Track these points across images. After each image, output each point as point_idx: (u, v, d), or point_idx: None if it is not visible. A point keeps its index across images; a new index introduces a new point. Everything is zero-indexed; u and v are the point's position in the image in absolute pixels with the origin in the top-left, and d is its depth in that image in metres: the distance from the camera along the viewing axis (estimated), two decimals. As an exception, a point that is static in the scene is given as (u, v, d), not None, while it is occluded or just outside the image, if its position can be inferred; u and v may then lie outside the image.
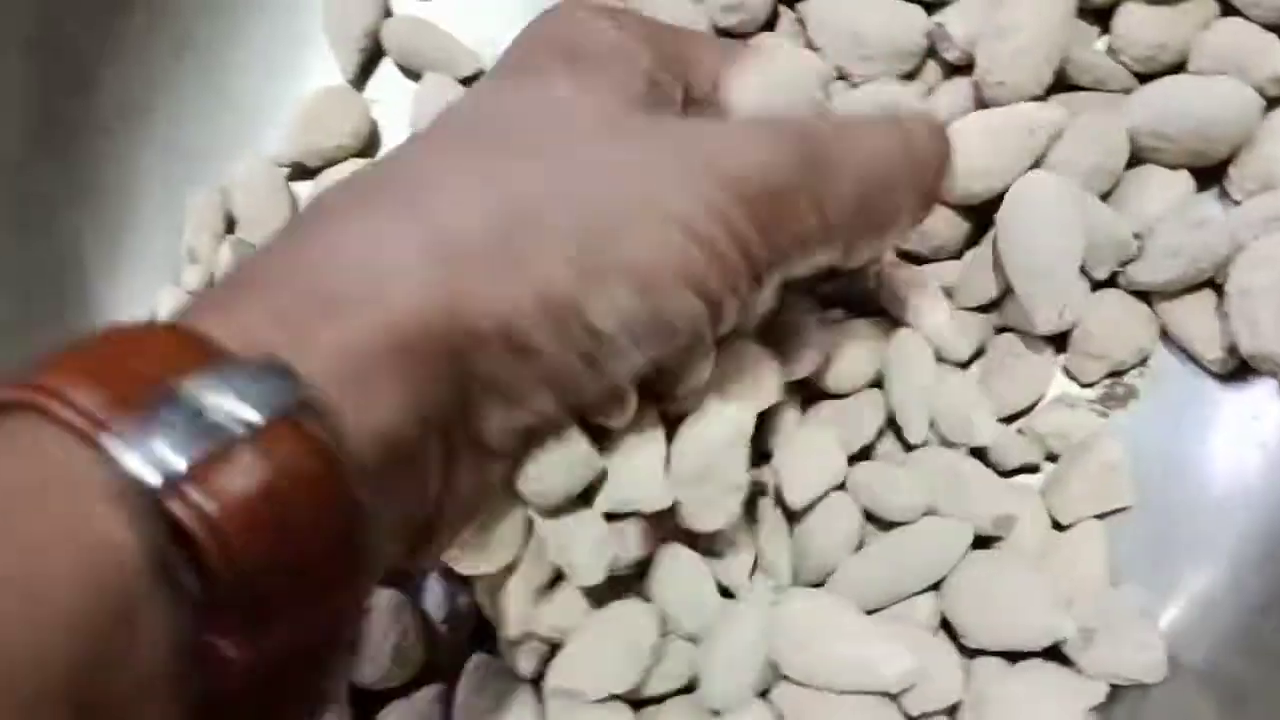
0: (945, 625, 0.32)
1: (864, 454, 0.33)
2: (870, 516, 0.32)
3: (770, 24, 0.38)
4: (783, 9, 0.39)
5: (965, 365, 0.35)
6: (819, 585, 0.32)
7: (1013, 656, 0.31)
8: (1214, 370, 0.34)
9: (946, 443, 0.33)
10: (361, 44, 0.39)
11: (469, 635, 0.33)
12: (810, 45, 0.37)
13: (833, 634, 0.29)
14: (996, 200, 0.33)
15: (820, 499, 0.31)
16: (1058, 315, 0.32)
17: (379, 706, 0.32)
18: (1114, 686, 0.31)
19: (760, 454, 0.32)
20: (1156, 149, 0.34)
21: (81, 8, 0.39)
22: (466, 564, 0.28)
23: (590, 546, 0.27)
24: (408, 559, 0.24)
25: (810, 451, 0.31)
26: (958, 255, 0.36)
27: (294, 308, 0.21)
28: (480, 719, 0.31)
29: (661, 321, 0.24)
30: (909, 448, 0.33)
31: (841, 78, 0.37)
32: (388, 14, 0.40)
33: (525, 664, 0.30)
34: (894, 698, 0.30)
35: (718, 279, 0.24)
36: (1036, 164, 0.34)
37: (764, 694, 0.30)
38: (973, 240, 0.36)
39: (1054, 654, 0.31)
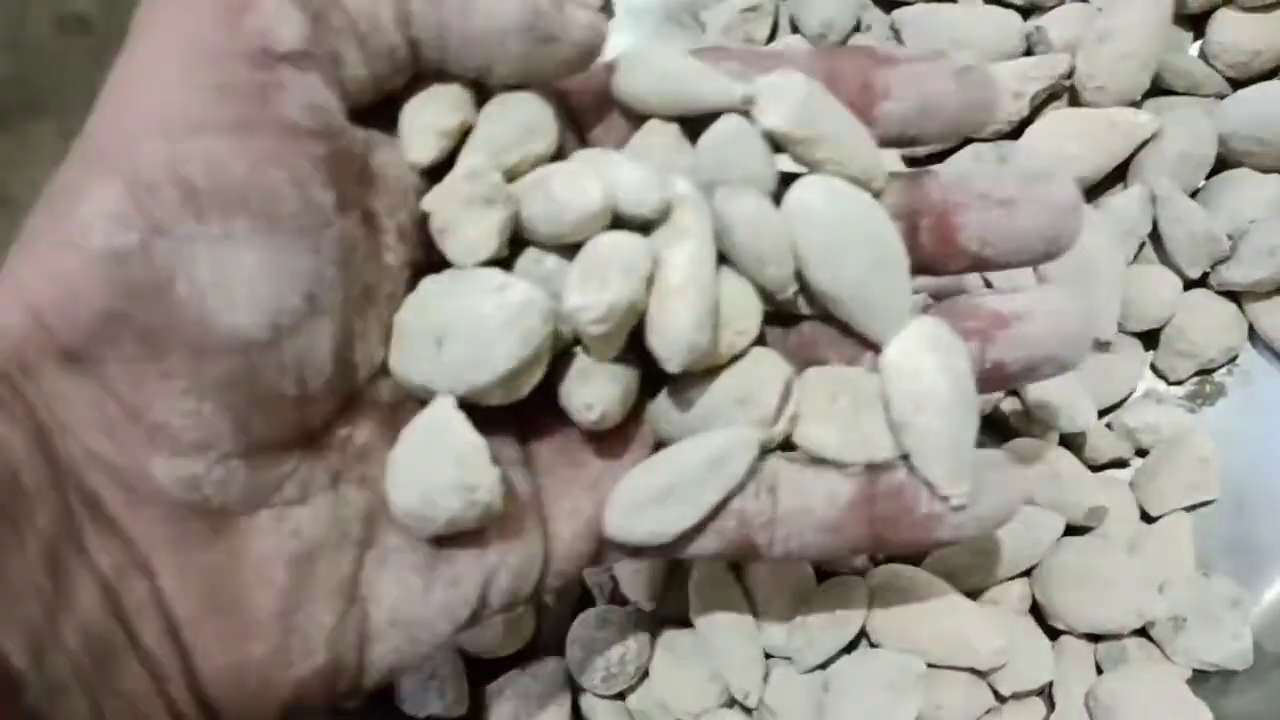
0: (1034, 610, 0.33)
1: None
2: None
3: (858, 27, 0.39)
4: (876, 16, 0.40)
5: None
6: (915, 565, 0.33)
7: (1097, 638, 0.33)
8: (1302, 370, 0.35)
9: (1044, 429, 0.34)
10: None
11: (574, 606, 0.35)
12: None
13: (928, 608, 0.31)
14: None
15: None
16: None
17: (492, 676, 0.34)
18: (1198, 671, 0.32)
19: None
20: (1249, 153, 0.35)
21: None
22: None
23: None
24: None
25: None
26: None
27: None
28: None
29: None
30: (1005, 439, 0.34)
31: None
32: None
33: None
34: (984, 675, 0.31)
35: None
36: (1122, 166, 0.36)
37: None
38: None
39: (1139, 636, 0.32)
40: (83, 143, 0.18)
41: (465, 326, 0.20)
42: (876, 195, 0.24)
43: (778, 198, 0.23)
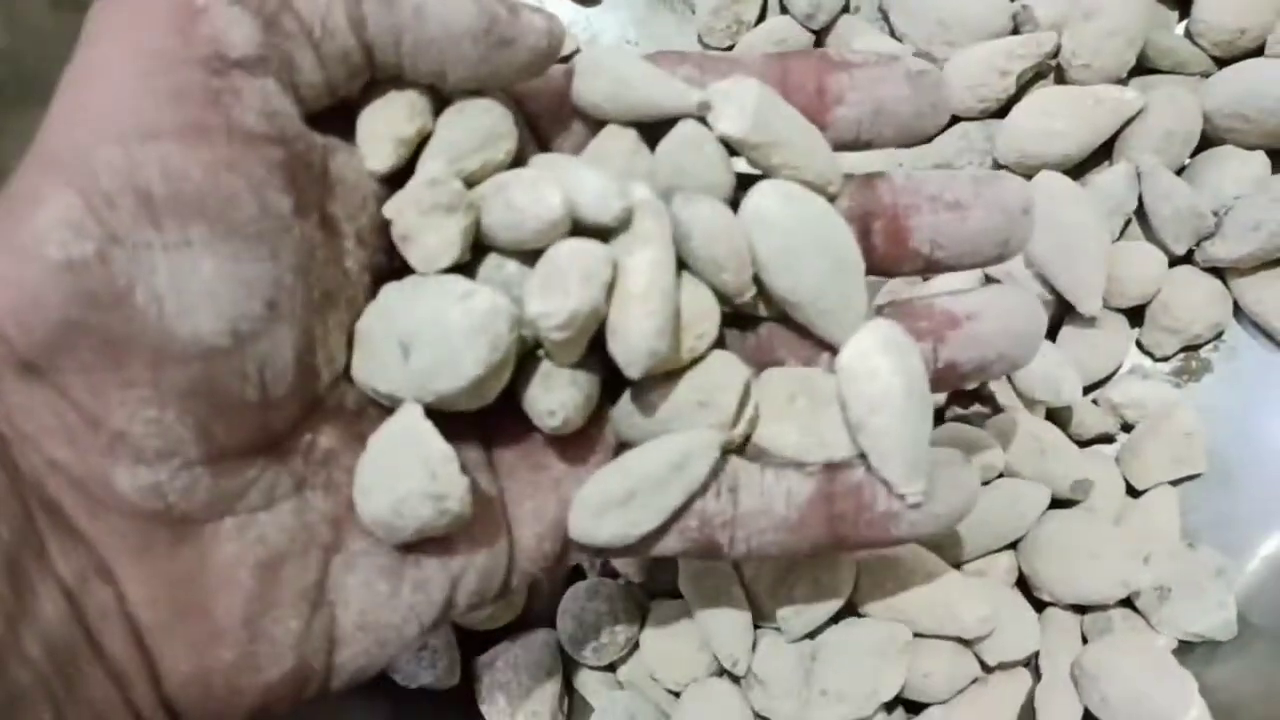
0: (1020, 582, 0.34)
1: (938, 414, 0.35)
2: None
3: (846, 8, 0.39)
4: (866, -4, 0.40)
5: (1047, 334, 0.36)
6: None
7: (1083, 609, 0.33)
8: (1287, 345, 0.36)
9: (1029, 403, 0.34)
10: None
11: (564, 581, 0.35)
12: (893, 32, 0.39)
13: (915, 577, 0.31)
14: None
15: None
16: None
17: (483, 648, 0.34)
18: (1183, 642, 0.32)
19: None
20: (1234, 130, 0.35)
21: None
22: None
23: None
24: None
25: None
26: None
27: None
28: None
29: None
30: (992, 414, 0.35)
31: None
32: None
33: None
34: (970, 645, 0.31)
35: None
36: (1108, 143, 0.36)
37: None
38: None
39: (1125, 607, 0.33)
40: (37, 150, 0.18)
41: (432, 334, 0.20)
42: (832, 199, 0.24)
43: (736, 201, 0.23)
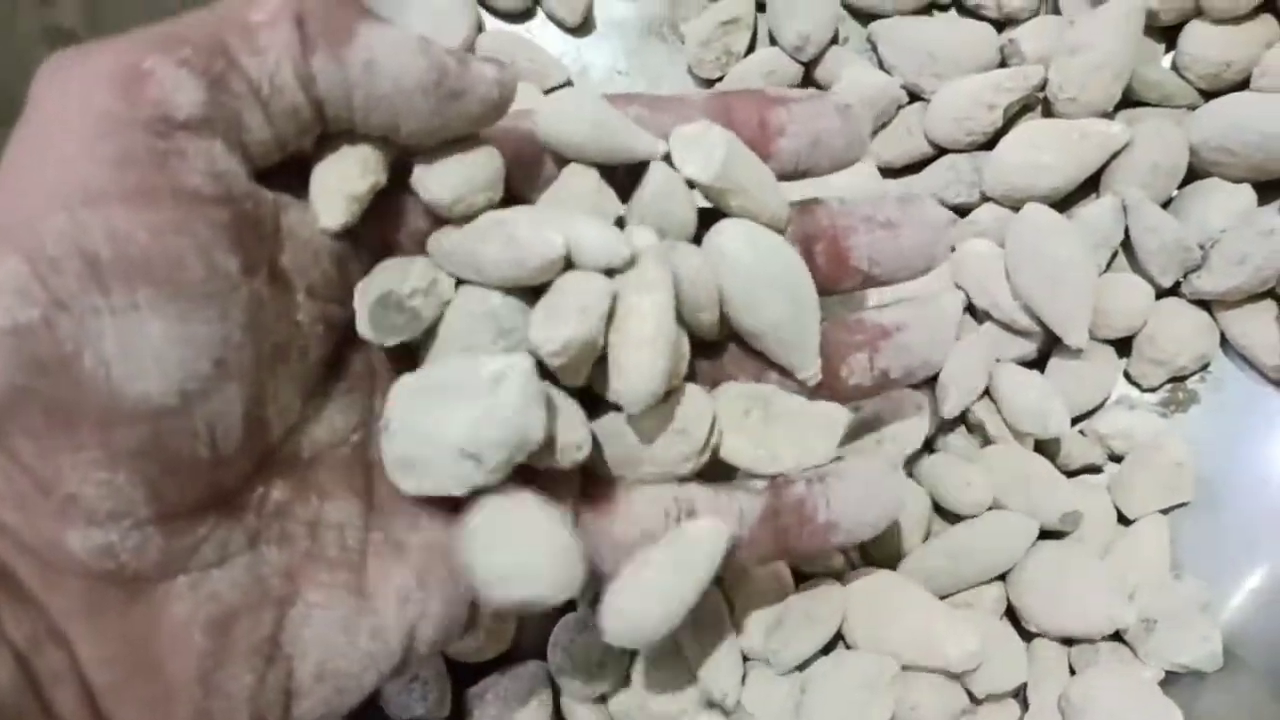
0: (1009, 612, 0.34)
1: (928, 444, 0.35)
2: (939, 508, 0.34)
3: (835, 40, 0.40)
4: (853, 29, 0.40)
5: (1032, 366, 0.36)
6: (891, 569, 0.33)
7: (1070, 641, 0.33)
8: (1273, 376, 0.36)
9: (1018, 435, 0.34)
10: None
11: (555, 613, 0.35)
12: (882, 64, 0.39)
13: (902, 610, 0.31)
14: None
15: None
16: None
17: (474, 679, 0.34)
18: (1170, 673, 0.33)
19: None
20: (1219, 163, 0.36)
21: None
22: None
23: None
24: None
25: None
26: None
27: None
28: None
29: None
30: (985, 444, 0.35)
31: (914, 96, 0.39)
32: (481, 29, 0.42)
33: None
34: (958, 677, 0.32)
35: None
36: (1095, 175, 0.36)
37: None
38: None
39: (1112, 639, 0.33)
40: None
41: (489, 434, 0.21)
42: (781, 232, 0.26)
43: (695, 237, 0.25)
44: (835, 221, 0.27)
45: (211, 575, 0.20)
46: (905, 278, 0.27)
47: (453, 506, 0.23)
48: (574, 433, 0.23)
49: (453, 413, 0.21)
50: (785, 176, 0.26)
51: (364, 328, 0.22)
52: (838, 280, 0.27)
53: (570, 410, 0.23)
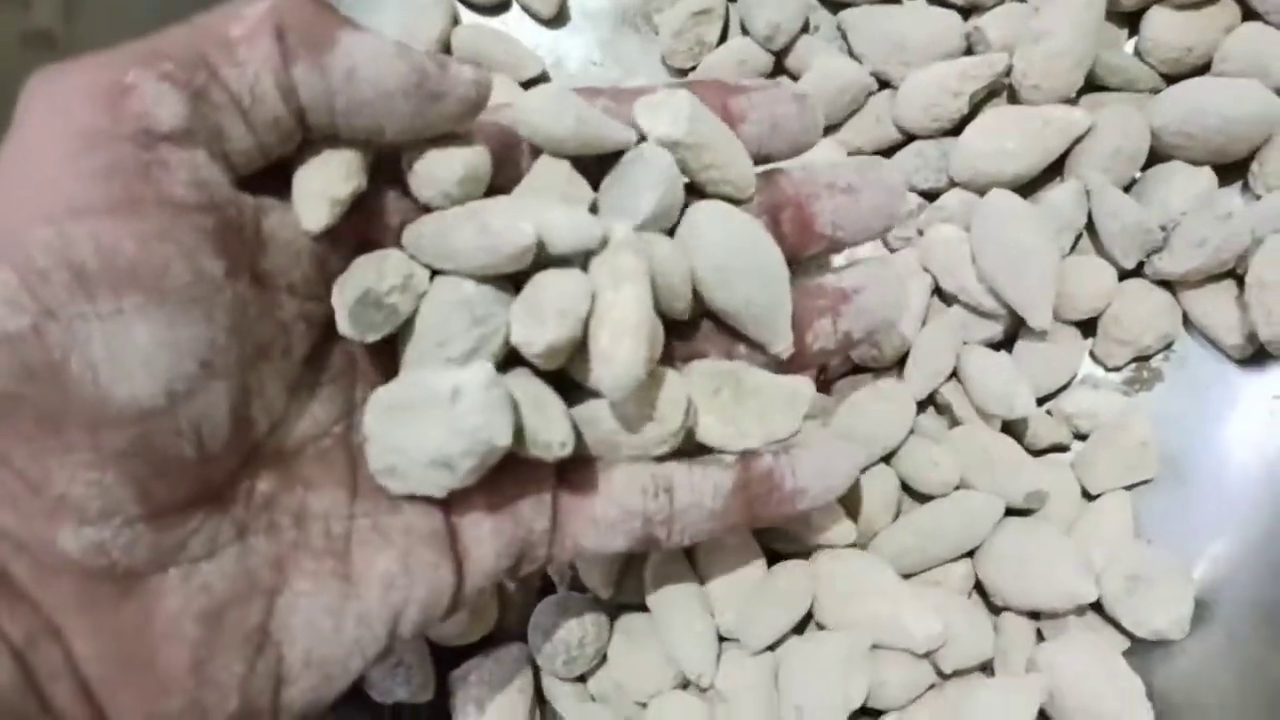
0: (978, 588, 0.35)
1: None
2: (908, 488, 0.35)
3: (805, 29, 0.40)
4: (824, 17, 0.41)
5: (1000, 347, 0.37)
6: (862, 548, 0.34)
7: (1037, 614, 0.34)
8: (1234, 355, 0.37)
9: (985, 416, 0.35)
10: (433, 50, 0.42)
11: (537, 595, 0.36)
12: (851, 53, 0.40)
13: (869, 592, 0.32)
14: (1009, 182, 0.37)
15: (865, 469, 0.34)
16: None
17: (457, 662, 0.35)
18: (1135, 642, 0.34)
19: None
20: (1181, 146, 0.36)
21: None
22: None
23: None
24: None
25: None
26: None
27: None
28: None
29: None
30: (953, 425, 0.36)
31: (883, 84, 0.39)
32: (456, 22, 0.43)
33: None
34: (921, 657, 0.32)
35: None
36: (1061, 159, 0.37)
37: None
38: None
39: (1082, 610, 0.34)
40: None
41: (454, 444, 0.22)
42: (749, 200, 0.27)
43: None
44: (799, 189, 0.28)
45: (201, 568, 0.21)
46: (866, 239, 0.29)
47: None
48: (557, 431, 0.24)
49: (421, 426, 0.22)
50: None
51: (345, 326, 0.23)
52: (805, 246, 0.28)
53: (553, 406, 0.24)
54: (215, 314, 0.20)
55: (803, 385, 0.27)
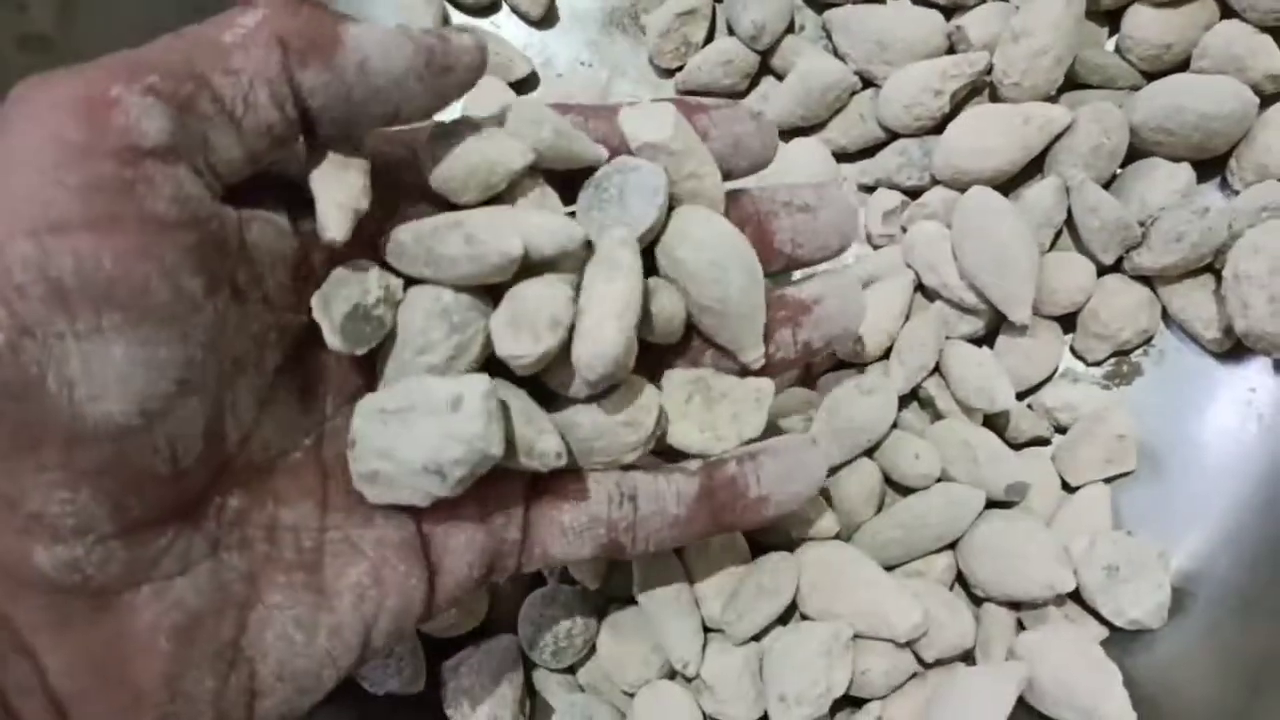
0: (960, 578, 0.35)
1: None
2: (890, 481, 0.35)
3: (791, 28, 0.41)
4: (809, 17, 0.42)
5: (982, 342, 0.38)
6: (846, 540, 0.35)
7: (1018, 605, 0.35)
8: (1212, 349, 0.37)
9: (967, 410, 0.36)
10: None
11: (526, 588, 0.36)
12: (836, 52, 0.40)
13: (851, 582, 0.32)
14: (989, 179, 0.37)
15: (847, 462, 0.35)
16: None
17: (448, 654, 0.35)
18: (1113, 631, 0.34)
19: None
20: (1160, 143, 0.37)
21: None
22: None
23: None
24: None
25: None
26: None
27: None
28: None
29: None
30: (935, 419, 0.36)
31: (867, 83, 0.40)
32: (446, 22, 0.43)
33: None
34: (903, 647, 0.33)
35: None
36: (1042, 156, 0.38)
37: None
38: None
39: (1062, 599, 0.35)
40: None
41: (450, 451, 0.22)
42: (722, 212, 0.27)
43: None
44: (759, 207, 0.29)
45: (175, 583, 0.21)
46: (823, 258, 0.29)
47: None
48: (551, 442, 0.24)
49: (414, 432, 0.22)
50: None
51: (335, 341, 0.23)
52: (766, 263, 0.28)
53: (542, 418, 0.25)
54: (193, 332, 0.20)
55: (764, 384, 0.28)
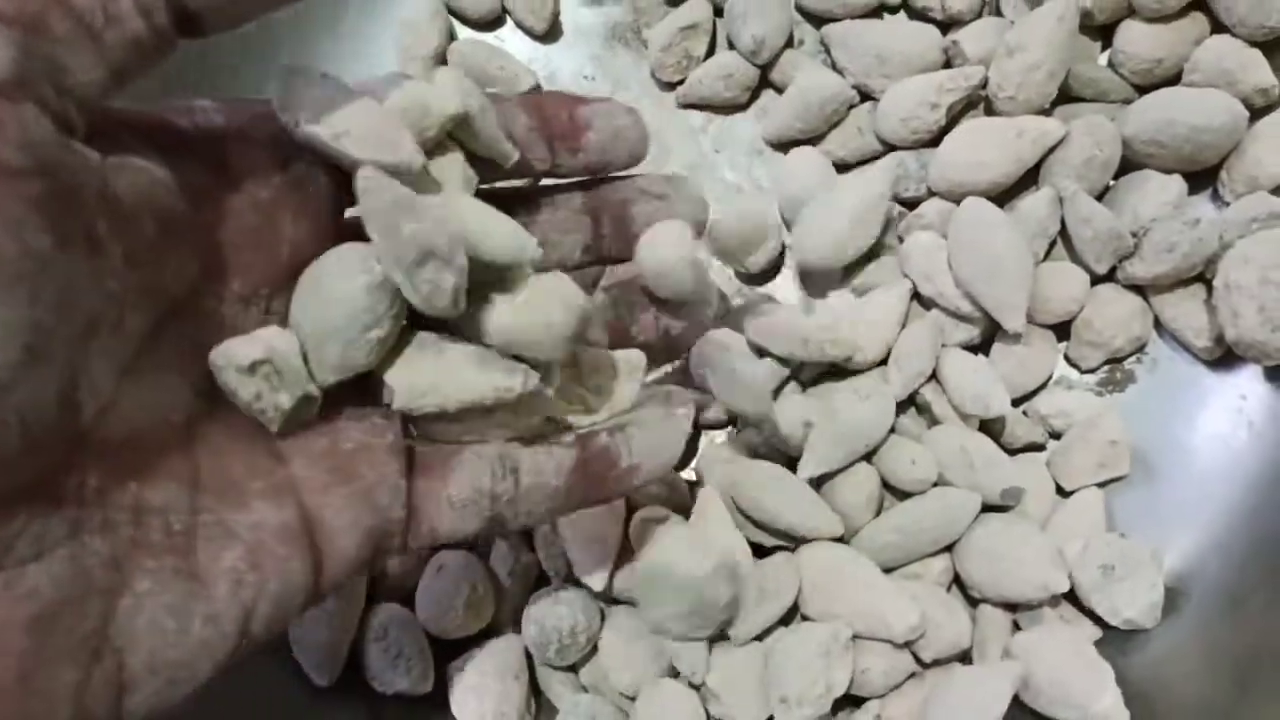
0: (957, 580, 0.36)
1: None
2: (889, 485, 0.36)
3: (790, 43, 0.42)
4: (807, 32, 0.42)
5: (978, 350, 0.38)
6: (845, 543, 0.35)
7: (1014, 606, 0.35)
8: (1204, 357, 0.38)
9: (963, 416, 0.36)
10: (430, 64, 0.43)
11: (531, 588, 0.37)
12: (834, 65, 0.41)
13: (851, 584, 0.33)
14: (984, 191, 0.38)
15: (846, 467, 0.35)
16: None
17: (456, 654, 0.36)
18: (1107, 631, 0.35)
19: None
20: (1152, 155, 0.38)
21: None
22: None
23: None
24: None
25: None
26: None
27: None
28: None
29: None
30: (931, 424, 0.37)
31: (865, 96, 0.41)
32: (453, 37, 0.44)
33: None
34: (905, 645, 0.34)
35: None
36: (1036, 168, 0.39)
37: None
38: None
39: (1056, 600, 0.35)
40: None
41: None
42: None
43: None
44: (619, 193, 0.31)
45: (28, 571, 0.19)
46: None
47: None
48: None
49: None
50: (594, 169, 0.30)
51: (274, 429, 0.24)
52: (622, 245, 0.31)
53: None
54: (42, 293, 0.18)
55: (636, 356, 0.30)
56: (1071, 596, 0.36)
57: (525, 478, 0.27)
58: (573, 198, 0.31)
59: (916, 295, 0.39)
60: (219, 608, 0.22)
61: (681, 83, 0.42)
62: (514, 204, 0.29)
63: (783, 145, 0.41)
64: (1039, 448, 0.39)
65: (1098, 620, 0.35)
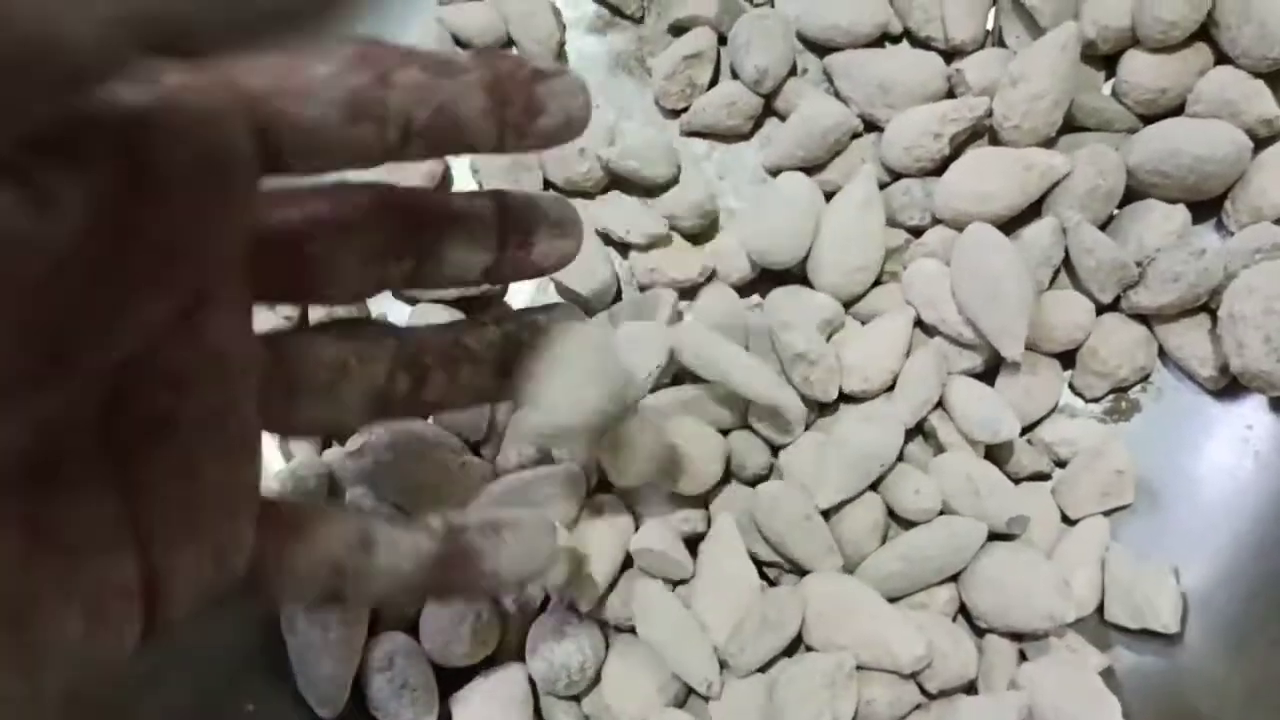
0: (963, 610, 0.36)
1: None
2: (894, 514, 0.36)
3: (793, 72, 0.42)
4: (811, 61, 0.43)
5: (982, 378, 0.38)
6: (850, 573, 0.35)
7: (1020, 636, 0.35)
8: (1209, 386, 0.38)
9: (971, 442, 0.36)
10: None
11: (535, 613, 0.37)
12: (838, 94, 0.41)
13: (856, 614, 0.33)
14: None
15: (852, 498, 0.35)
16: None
17: (461, 683, 0.36)
18: (1110, 666, 0.35)
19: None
20: (1156, 185, 0.38)
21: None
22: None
23: None
24: None
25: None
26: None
27: None
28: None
29: None
30: (938, 451, 0.37)
31: (868, 126, 0.41)
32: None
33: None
34: (910, 676, 0.34)
35: None
36: (1040, 200, 0.39)
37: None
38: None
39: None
40: None
41: None
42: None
43: None
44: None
45: None
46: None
47: None
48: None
49: None
50: (534, 150, 0.26)
51: None
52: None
53: None
54: None
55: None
56: (1080, 622, 0.36)
57: (381, 555, 0.25)
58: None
59: (919, 323, 0.39)
60: (45, 680, 0.19)
61: (685, 110, 0.42)
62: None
63: (780, 170, 0.41)
64: (1044, 476, 0.39)
65: (1119, 627, 0.36)
